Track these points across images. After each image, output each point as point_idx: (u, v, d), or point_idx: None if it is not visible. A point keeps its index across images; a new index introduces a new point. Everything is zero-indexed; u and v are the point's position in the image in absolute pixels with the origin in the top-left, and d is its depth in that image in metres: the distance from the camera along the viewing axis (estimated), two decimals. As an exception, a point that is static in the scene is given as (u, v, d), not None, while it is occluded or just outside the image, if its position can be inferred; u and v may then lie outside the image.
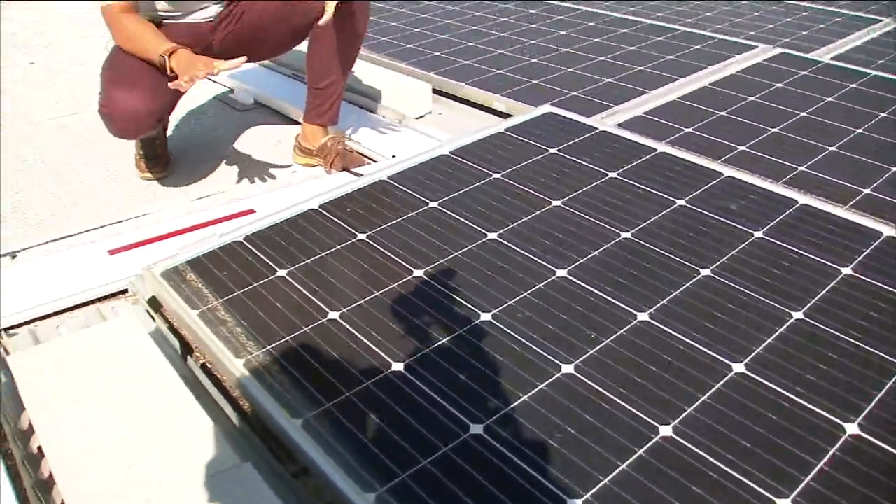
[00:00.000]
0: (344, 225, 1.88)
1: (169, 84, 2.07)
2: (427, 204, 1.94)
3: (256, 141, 2.94)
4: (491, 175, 2.06)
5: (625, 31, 3.71)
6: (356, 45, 2.52)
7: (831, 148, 2.52)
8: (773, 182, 2.10)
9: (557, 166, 2.08)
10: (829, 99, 2.89)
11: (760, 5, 4.72)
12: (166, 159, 2.69)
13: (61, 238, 2.33)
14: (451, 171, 2.09)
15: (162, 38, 2.20)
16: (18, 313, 1.93)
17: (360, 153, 2.68)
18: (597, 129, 2.30)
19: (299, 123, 2.91)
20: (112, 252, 2.12)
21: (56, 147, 2.99)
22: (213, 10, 2.45)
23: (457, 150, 2.20)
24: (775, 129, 2.65)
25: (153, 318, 1.84)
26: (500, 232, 1.81)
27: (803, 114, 2.77)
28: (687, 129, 2.63)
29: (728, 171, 2.04)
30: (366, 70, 3.21)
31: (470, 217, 1.87)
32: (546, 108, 2.44)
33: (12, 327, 1.93)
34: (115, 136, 2.37)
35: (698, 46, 3.45)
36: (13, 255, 2.25)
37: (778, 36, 4.07)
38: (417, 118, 3.04)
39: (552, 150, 2.17)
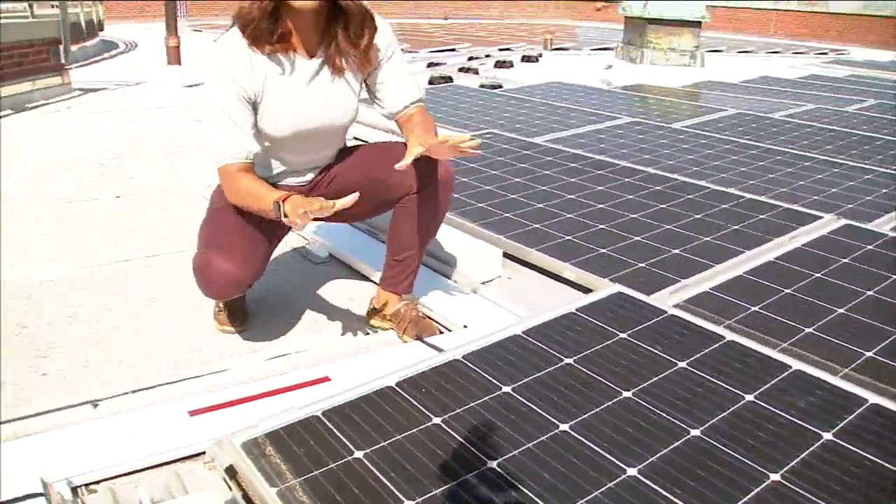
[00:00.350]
0: (420, 406, 1.95)
1: (283, 220, 2.15)
2: (500, 388, 2.00)
3: (331, 297, 3.05)
4: (562, 360, 2.12)
5: (690, 196, 3.80)
6: (437, 222, 2.65)
7: (897, 332, 2.55)
8: (841, 377, 2.14)
9: (627, 353, 2.14)
10: (895, 277, 2.92)
11: (822, 167, 4.80)
12: (244, 314, 2.80)
13: (140, 390, 2.42)
14: (523, 353, 2.16)
15: (273, 189, 2.32)
16: (99, 470, 2.00)
17: (432, 319, 2.76)
18: (666, 312, 2.36)
19: (372, 281, 3.03)
20: (192, 413, 2.20)
21: (135, 289, 3.14)
22: (310, 175, 2.60)
23: (528, 330, 2.28)
24: (841, 310, 2.68)
25: (229, 486, 1.90)
26: (572, 423, 1.86)
27: (869, 293, 2.80)
28: (753, 308, 2.68)
29: (796, 365, 2.08)
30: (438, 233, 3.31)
31: (542, 406, 1.93)
32: (615, 288, 2.51)
33: (92, 483, 2.00)
34: (205, 296, 2.51)
35: (763, 216, 3.53)
36: (95, 404, 2.34)
37: (841, 201, 4.13)
38: (487, 282, 3.13)
39: (622, 335, 2.24)
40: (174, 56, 9.00)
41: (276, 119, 2.42)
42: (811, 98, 8.83)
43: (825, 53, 21.41)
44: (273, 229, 2.54)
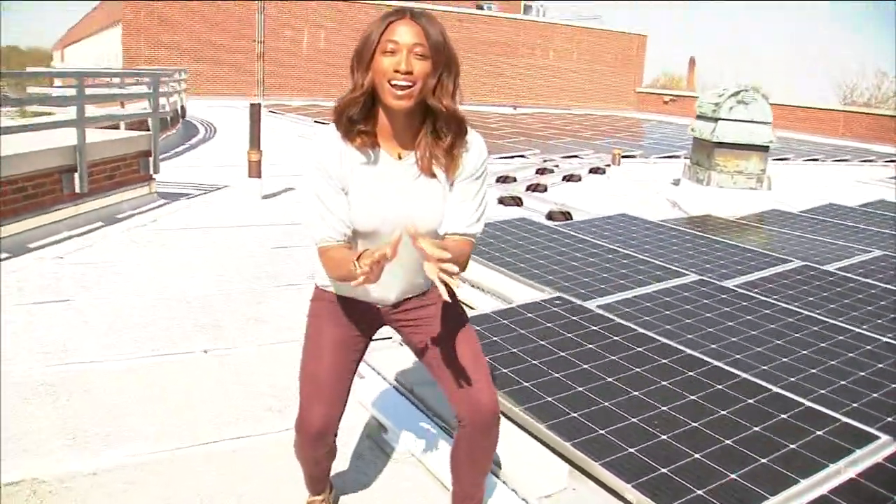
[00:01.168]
0: None
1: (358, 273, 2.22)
2: None
3: (406, 504, 3.27)
4: None
5: (751, 400, 3.95)
6: (488, 461, 2.85)
7: None
8: None
9: None
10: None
11: (881, 352, 4.89)
12: (329, 528, 3.02)
13: None
14: None
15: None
16: None
17: (500, 548, 2.95)
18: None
19: (446, 487, 3.23)
20: None
21: (225, 477, 3.36)
22: (396, 292, 2.71)
23: None
24: (890, 566, 2.82)
25: None
26: None
27: (918, 545, 2.93)
28: (806, 558, 2.83)
29: None
30: (505, 431, 3.47)
31: None
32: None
33: None
34: (300, 456, 2.80)
35: (820, 432, 3.66)
36: None
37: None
38: (551, 496, 3.31)
39: None
40: (255, 170, 9.39)
41: (358, 211, 2.50)
42: (876, 238, 8.95)
43: (894, 161, 21.43)
44: (355, 350, 2.76)
